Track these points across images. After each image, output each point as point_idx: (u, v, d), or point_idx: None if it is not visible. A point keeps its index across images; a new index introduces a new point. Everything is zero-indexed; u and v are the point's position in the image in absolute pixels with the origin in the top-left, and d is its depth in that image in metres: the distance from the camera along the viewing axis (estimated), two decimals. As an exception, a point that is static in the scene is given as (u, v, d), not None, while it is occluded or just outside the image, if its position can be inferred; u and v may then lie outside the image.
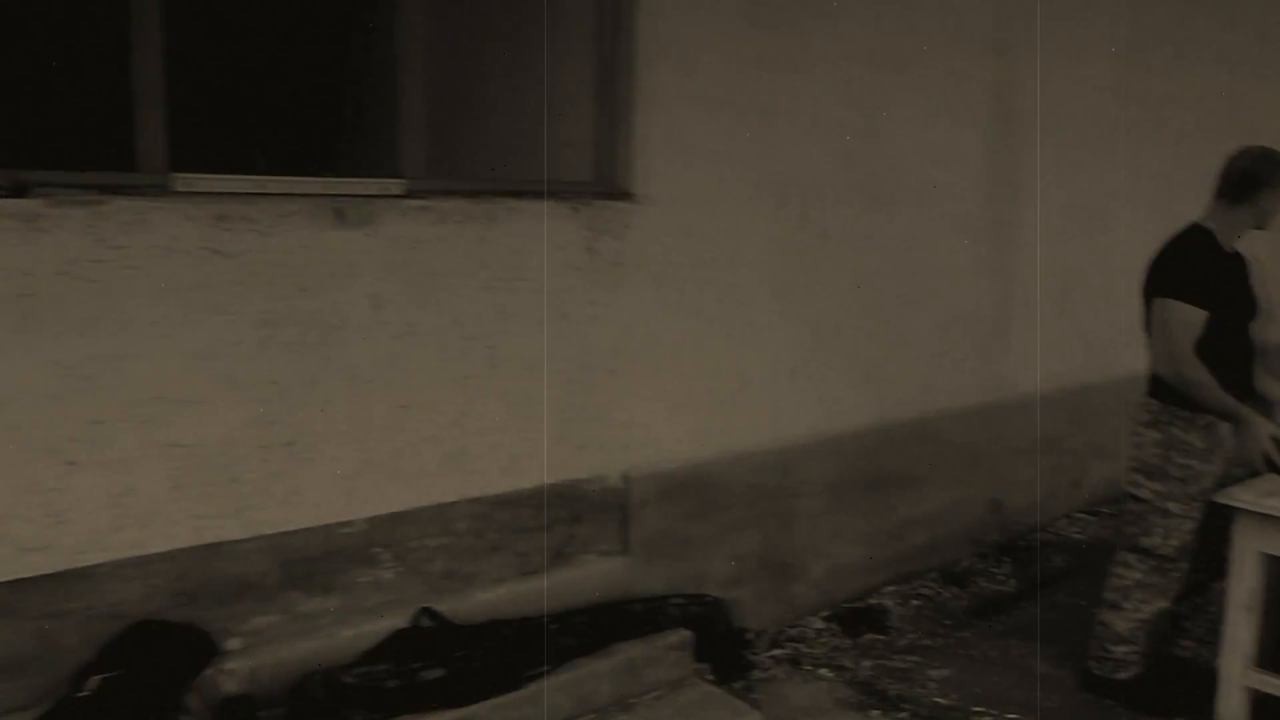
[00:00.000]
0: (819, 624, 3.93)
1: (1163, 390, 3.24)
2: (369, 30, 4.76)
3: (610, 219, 3.26)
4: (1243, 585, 2.96)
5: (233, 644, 2.65)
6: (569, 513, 3.32)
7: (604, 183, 3.31)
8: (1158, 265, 3.24)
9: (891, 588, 4.26)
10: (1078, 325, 5.07)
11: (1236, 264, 3.28)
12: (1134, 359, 5.44)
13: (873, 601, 4.12)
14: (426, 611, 2.93)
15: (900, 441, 4.25)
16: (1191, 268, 3.14)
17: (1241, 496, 2.93)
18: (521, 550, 3.22)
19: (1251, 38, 6.04)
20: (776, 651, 3.70)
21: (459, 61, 4.10)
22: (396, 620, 2.88)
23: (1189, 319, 3.08)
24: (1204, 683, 3.13)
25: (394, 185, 2.88)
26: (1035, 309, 4.79)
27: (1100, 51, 4.99)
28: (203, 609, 2.61)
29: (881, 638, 3.83)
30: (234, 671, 2.59)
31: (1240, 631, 2.98)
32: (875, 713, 3.30)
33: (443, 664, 2.75)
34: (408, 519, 2.95)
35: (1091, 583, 3.31)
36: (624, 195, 3.30)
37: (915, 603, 4.16)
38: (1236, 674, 3.00)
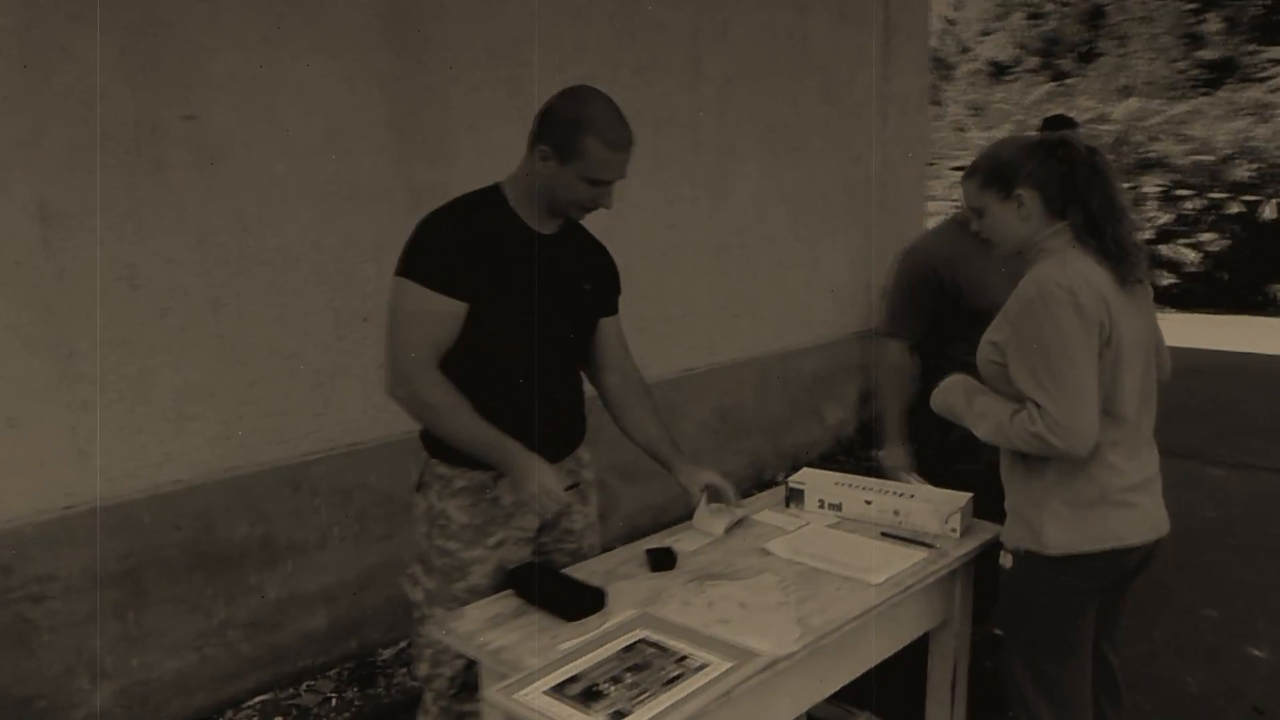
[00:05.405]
0: (101, 776, 2.70)
1: (430, 435, 2.11)
2: None
3: None
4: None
5: None
6: None
7: None
8: (414, 233, 2.04)
9: (266, 696, 3.08)
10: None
11: (554, 250, 2.08)
12: (667, 352, 4.49)
13: (214, 725, 2.93)
14: None
15: (263, 496, 3.05)
16: (451, 238, 1.98)
17: (460, 633, 1.80)
18: None
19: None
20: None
21: None
22: None
23: (433, 309, 1.95)
24: None
25: None
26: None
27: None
28: None
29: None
30: None
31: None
32: None
33: None
34: None
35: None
36: None
37: (280, 720, 3.00)
38: None
